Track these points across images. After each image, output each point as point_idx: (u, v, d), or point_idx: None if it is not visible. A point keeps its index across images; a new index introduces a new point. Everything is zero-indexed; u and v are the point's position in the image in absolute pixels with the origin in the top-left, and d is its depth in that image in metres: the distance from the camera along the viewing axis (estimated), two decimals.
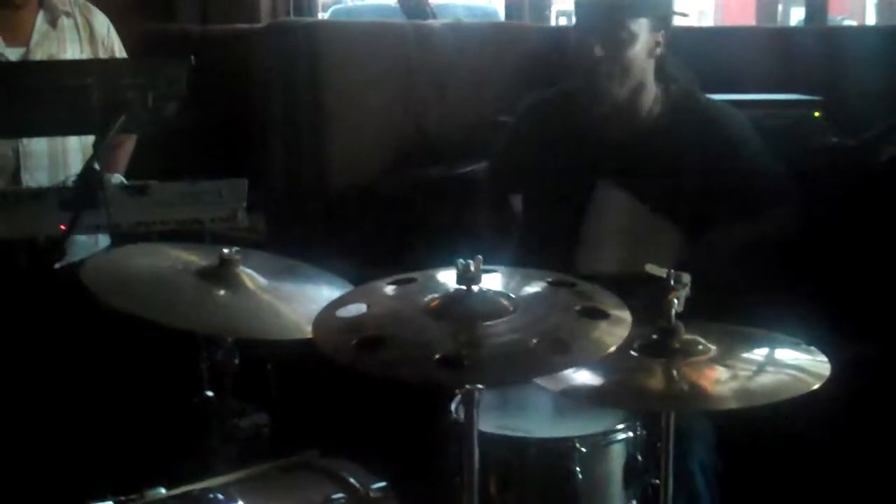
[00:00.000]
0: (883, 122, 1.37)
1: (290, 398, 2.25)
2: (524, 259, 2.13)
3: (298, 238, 3.31)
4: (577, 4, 2.39)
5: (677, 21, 2.52)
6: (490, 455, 1.72)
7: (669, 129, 2.38)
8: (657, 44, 2.34)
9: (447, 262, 1.68)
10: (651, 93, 2.40)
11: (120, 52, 2.97)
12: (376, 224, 3.28)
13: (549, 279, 1.71)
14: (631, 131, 2.39)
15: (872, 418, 2.45)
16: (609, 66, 2.30)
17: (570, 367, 1.60)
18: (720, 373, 1.63)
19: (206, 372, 2.09)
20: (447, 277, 1.67)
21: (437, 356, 1.48)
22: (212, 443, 2.09)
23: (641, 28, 2.30)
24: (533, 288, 1.69)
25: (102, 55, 2.90)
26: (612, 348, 1.53)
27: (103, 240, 2.74)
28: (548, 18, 5.59)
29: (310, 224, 3.36)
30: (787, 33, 4.86)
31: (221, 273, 1.98)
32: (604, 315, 1.60)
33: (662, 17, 2.35)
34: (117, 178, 2.65)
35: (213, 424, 2.09)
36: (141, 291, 1.91)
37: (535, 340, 1.51)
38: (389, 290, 1.74)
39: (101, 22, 2.94)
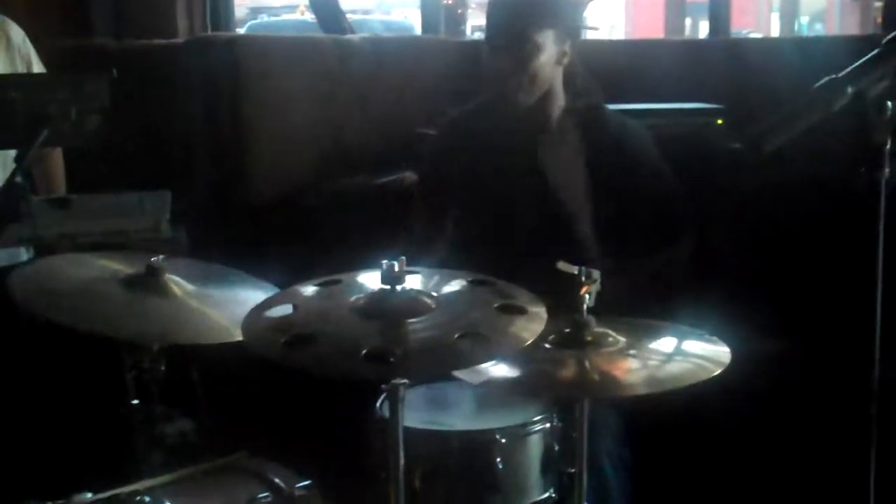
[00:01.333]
0: (768, 119, 1.47)
1: (216, 403, 2.28)
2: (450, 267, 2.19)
3: (221, 249, 3.33)
4: (487, 17, 2.47)
5: (588, 34, 2.60)
6: (415, 449, 1.76)
7: (574, 139, 2.46)
8: (564, 54, 2.42)
9: (370, 267, 1.76)
10: (559, 101, 2.48)
11: (37, 63, 2.97)
12: (298, 234, 3.32)
13: (469, 278, 1.79)
14: (539, 137, 2.47)
15: (779, 408, 2.57)
16: (517, 76, 2.38)
17: (490, 359, 1.68)
18: (629, 362, 1.73)
19: (131, 380, 2.09)
20: (371, 279, 1.74)
21: (364, 352, 1.54)
22: (139, 449, 2.10)
23: (548, 39, 2.37)
24: (453, 287, 1.76)
25: (20, 65, 2.90)
26: (529, 341, 1.61)
27: (23, 252, 2.73)
28: (463, 33, 5.71)
29: (232, 235, 3.38)
30: (693, 46, 5.01)
31: (149, 281, 1.99)
32: (521, 311, 1.68)
33: (569, 29, 2.41)
34: None
35: (140, 431, 2.09)
36: (69, 301, 1.91)
37: (456, 335, 1.59)
38: (316, 291, 1.79)
39: (17, 32, 2.93)
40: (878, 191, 1.53)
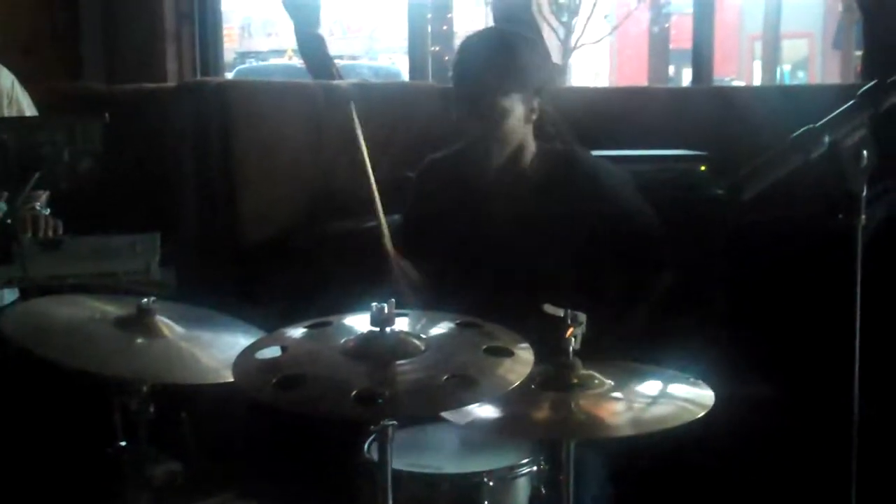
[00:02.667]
0: (747, 167, 1.52)
1: (204, 444, 2.29)
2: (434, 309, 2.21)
3: (210, 292, 3.35)
4: (452, 76, 2.50)
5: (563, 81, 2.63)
6: (403, 491, 1.77)
7: (549, 182, 2.49)
8: (532, 111, 2.45)
9: (359, 310, 1.78)
10: (530, 151, 2.51)
11: (29, 106, 2.98)
12: (287, 278, 3.34)
13: (457, 321, 1.81)
14: (514, 188, 2.50)
15: (761, 449, 2.60)
16: (486, 140, 2.43)
17: (478, 401, 1.69)
18: (615, 404, 1.75)
19: (120, 420, 2.10)
20: (360, 321, 1.76)
21: (354, 392, 1.56)
22: (127, 490, 2.10)
23: (515, 101, 2.40)
24: (441, 329, 1.79)
25: (7, 111, 2.91)
26: (516, 383, 1.63)
27: (9, 294, 2.74)
28: (450, 78, 5.76)
29: (221, 278, 3.40)
30: (677, 93, 5.09)
31: (139, 322, 2.01)
32: (508, 353, 1.71)
33: (536, 88, 2.44)
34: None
35: (128, 472, 2.10)
36: (60, 338, 1.93)
37: (445, 377, 1.61)
38: (305, 333, 1.82)
39: (6, 77, 2.94)
40: (856, 236, 1.57)
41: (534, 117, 2.46)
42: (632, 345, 2.24)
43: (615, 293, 2.40)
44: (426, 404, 1.64)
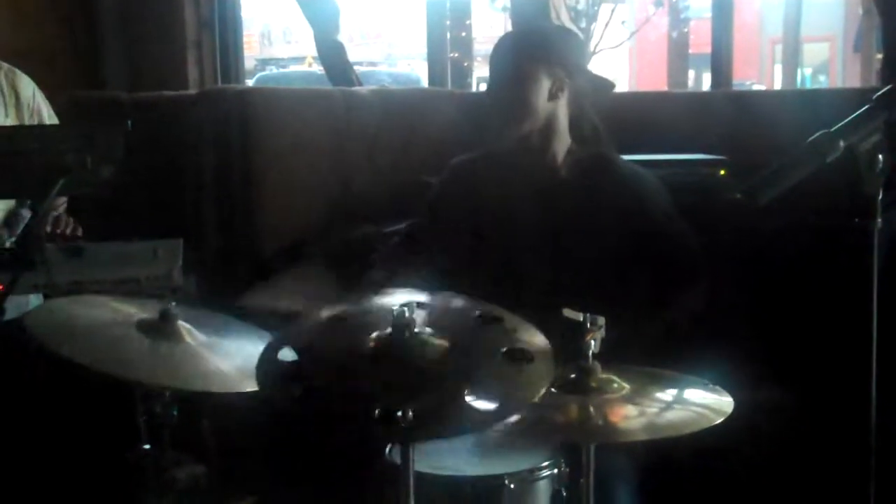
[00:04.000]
0: (763, 172, 1.53)
1: (227, 449, 2.30)
2: None
3: (231, 298, 3.37)
4: (490, 53, 2.56)
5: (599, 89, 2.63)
6: (424, 494, 1.76)
7: (581, 185, 2.49)
8: (558, 89, 2.46)
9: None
10: (563, 144, 2.51)
11: (49, 115, 3.01)
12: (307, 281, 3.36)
13: (478, 313, 1.80)
14: (545, 183, 2.52)
15: (784, 454, 2.59)
16: (510, 106, 2.47)
17: (500, 420, 1.66)
18: (633, 409, 1.75)
19: (143, 425, 2.12)
20: (383, 307, 1.76)
21: (377, 412, 1.55)
22: (149, 494, 2.12)
23: (537, 70, 2.45)
24: (462, 320, 1.78)
25: (28, 119, 2.94)
26: (540, 395, 1.63)
27: (34, 300, 2.77)
28: (469, 85, 5.78)
29: (242, 284, 3.43)
30: (697, 98, 5.08)
31: (161, 326, 2.02)
32: (528, 358, 1.69)
33: (561, 64, 2.47)
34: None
35: (151, 476, 2.11)
36: (85, 341, 1.94)
37: (467, 393, 1.60)
38: (328, 326, 1.81)
39: (27, 86, 2.97)
40: (871, 239, 1.57)
41: (560, 97, 2.47)
42: (657, 351, 2.24)
43: (646, 300, 2.41)
44: (450, 428, 1.63)
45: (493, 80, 2.54)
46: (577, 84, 2.50)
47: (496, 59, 2.53)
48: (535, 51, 2.48)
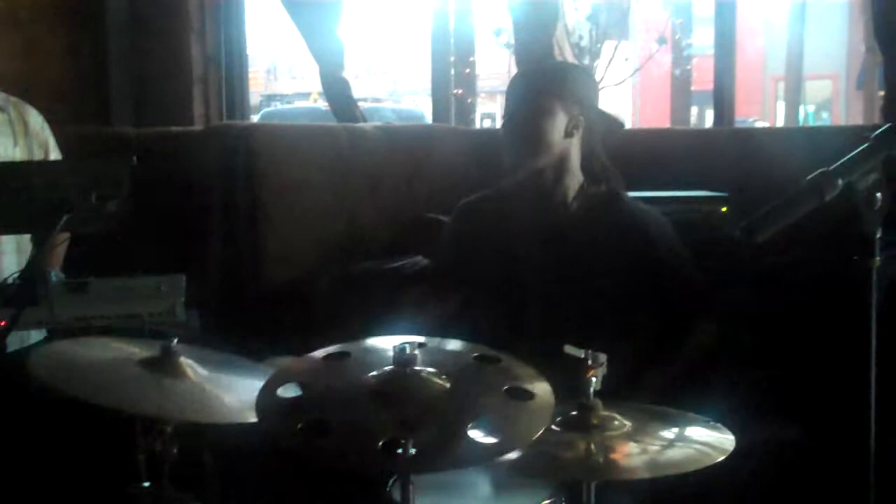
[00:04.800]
0: (762, 209, 1.54)
1: (227, 486, 2.29)
2: None
3: (235, 333, 3.37)
4: (507, 88, 2.58)
5: (610, 127, 2.65)
6: None
7: (592, 223, 2.50)
8: (574, 126, 2.49)
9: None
10: (575, 181, 2.53)
11: (55, 148, 3.03)
12: (312, 318, 3.36)
13: (475, 354, 1.81)
14: (556, 221, 2.52)
15: (788, 492, 2.58)
16: (527, 140, 2.48)
17: (502, 454, 1.66)
18: (634, 447, 1.75)
19: (143, 461, 2.11)
20: (380, 349, 1.78)
21: (380, 444, 1.56)
22: None
23: (554, 105, 2.47)
24: (460, 362, 1.79)
25: (37, 151, 2.96)
26: (539, 432, 1.63)
27: (35, 335, 2.77)
28: (472, 121, 5.81)
29: (246, 319, 3.43)
30: (699, 135, 5.09)
31: (163, 363, 2.03)
32: (528, 395, 1.70)
33: (578, 101, 2.50)
34: (57, 274, 2.70)
35: None
36: (87, 376, 1.95)
37: (470, 430, 1.60)
38: (323, 365, 1.82)
39: (35, 118, 3.00)
40: (870, 277, 1.58)
41: (575, 135, 2.49)
42: (662, 388, 2.24)
43: (655, 339, 2.40)
44: (451, 461, 1.63)
45: (509, 114, 2.54)
46: (590, 121, 2.51)
47: (513, 93, 2.55)
48: (553, 87, 2.50)
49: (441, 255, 2.72)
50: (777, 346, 2.84)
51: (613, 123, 2.63)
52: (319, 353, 1.85)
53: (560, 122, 2.47)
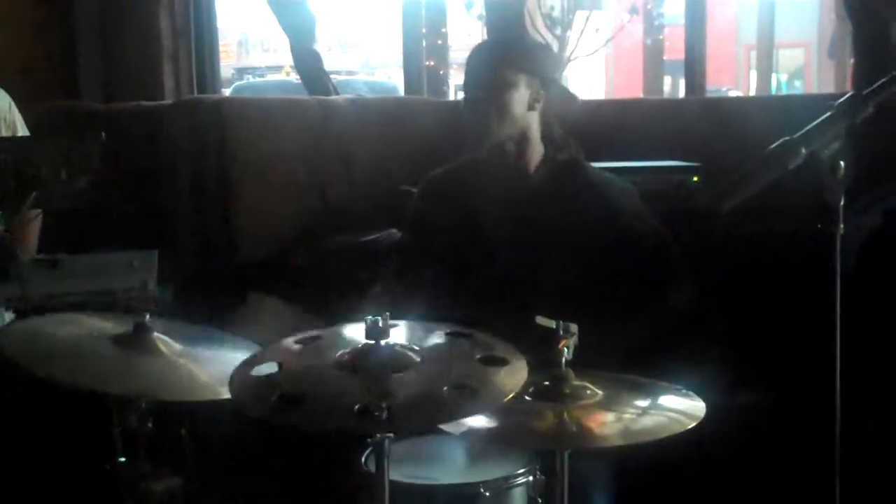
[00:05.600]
0: (726, 179, 1.56)
1: (204, 461, 2.30)
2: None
3: (207, 308, 3.37)
4: (465, 70, 2.58)
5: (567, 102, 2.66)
6: (399, 503, 1.78)
7: (556, 193, 2.53)
8: (536, 99, 2.50)
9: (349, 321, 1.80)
10: (537, 152, 2.55)
11: (22, 128, 3.01)
12: (284, 293, 3.36)
13: (447, 330, 1.83)
14: (520, 191, 2.54)
15: (754, 457, 2.62)
16: (487, 106, 2.48)
17: (480, 411, 1.71)
18: (606, 415, 1.77)
19: (119, 437, 2.11)
20: (351, 333, 1.78)
21: (357, 407, 1.57)
22: None
23: (517, 79, 2.47)
24: (434, 339, 1.81)
25: (4, 131, 2.93)
26: (515, 391, 1.65)
27: (8, 314, 2.75)
28: (446, 93, 5.80)
29: (218, 294, 3.42)
30: (671, 104, 5.11)
31: (136, 339, 2.01)
32: (502, 362, 1.72)
33: (539, 74, 2.51)
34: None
35: (127, 489, 2.11)
36: (59, 357, 1.94)
37: (445, 388, 1.63)
38: (297, 347, 1.83)
39: (3, 98, 2.97)
40: (834, 246, 1.60)
41: (537, 107, 2.50)
42: (631, 357, 2.26)
43: (622, 307, 2.42)
44: (428, 416, 1.66)
45: (471, 87, 2.55)
46: (550, 94, 2.53)
47: (474, 66, 2.55)
48: (516, 60, 2.51)
49: (409, 228, 2.74)
50: (744, 315, 2.87)
51: (571, 99, 2.65)
52: (291, 338, 1.85)
53: (523, 94, 2.49)
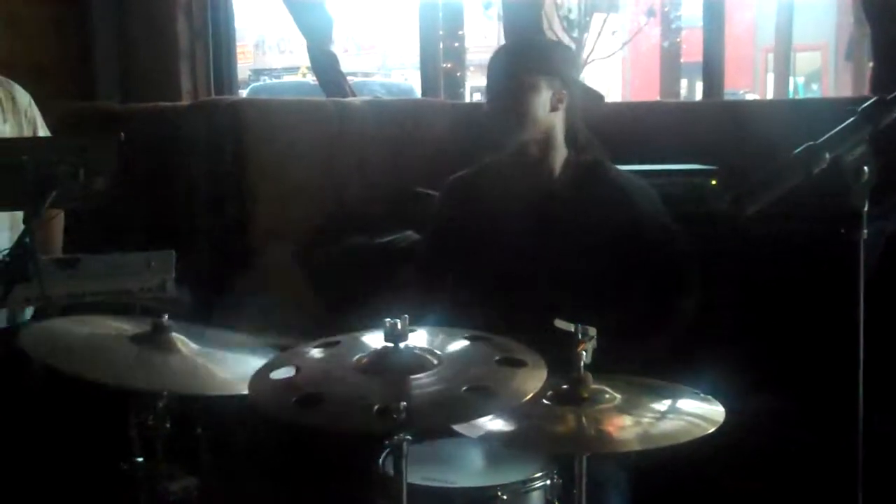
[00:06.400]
0: (749, 183, 1.55)
1: (220, 461, 2.30)
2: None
3: (224, 308, 3.37)
4: (487, 73, 2.57)
5: (590, 100, 2.66)
6: None
7: (579, 194, 2.51)
8: (558, 100, 2.49)
9: (368, 328, 1.80)
10: (560, 154, 2.54)
11: (42, 126, 3.02)
12: (301, 294, 3.37)
13: (466, 334, 1.83)
14: (544, 193, 2.53)
15: (777, 461, 2.61)
16: (513, 117, 2.48)
17: (496, 411, 1.71)
18: (625, 419, 1.76)
19: (136, 436, 2.12)
20: (371, 339, 1.79)
21: (376, 408, 1.57)
22: None
23: (539, 81, 2.46)
24: (452, 343, 1.81)
25: (26, 127, 2.95)
26: (533, 392, 1.65)
27: (28, 312, 2.77)
28: (462, 95, 5.78)
29: (235, 295, 3.43)
30: (689, 107, 5.09)
31: (155, 338, 2.04)
32: (521, 363, 1.72)
33: (561, 76, 2.50)
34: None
35: (144, 488, 2.11)
36: (79, 352, 1.96)
37: (463, 388, 1.63)
38: (317, 352, 1.83)
39: (23, 96, 2.99)
40: (858, 250, 1.59)
41: (560, 108, 2.50)
42: (652, 360, 2.25)
43: (643, 310, 2.42)
44: (447, 416, 1.67)
45: (492, 91, 2.54)
46: (572, 95, 2.52)
47: (495, 69, 2.54)
48: (536, 63, 2.50)
49: (431, 230, 2.73)
50: (765, 320, 2.86)
51: (594, 96, 2.64)
52: (311, 343, 1.86)
53: (545, 97, 2.48)
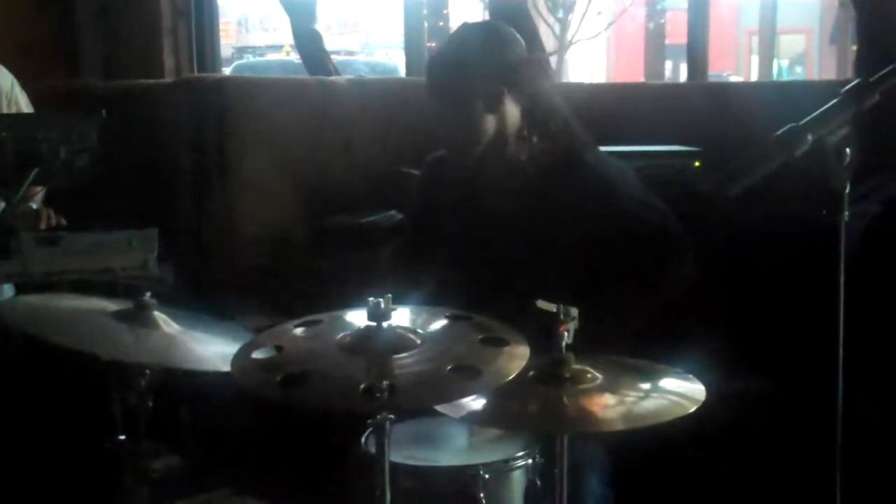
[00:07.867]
0: (732, 165, 1.55)
1: (203, 439, 2.31)
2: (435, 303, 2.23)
3: (207, 287, 3.37)
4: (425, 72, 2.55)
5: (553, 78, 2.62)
6: (399, 484, 1.78)
7: (548, 178, 2.49)
8: (497, 101, 2.43)
9: (351, 306, 1.79)
10: (517, 143, 2.49)
11: (27, 106, 3.00)
12: (283, 272, 3.36)
13: (448, 314, 1.83)
14: (508, 183, 2.52)
15: (755, 442, 2.63)
16: (451, 128, 2.47)
17: (482, 391, 1.70)
18: (607, 399, 1.77)
19: (118, 415, 2.11)
20: (352, 317, 1.78)
21: (362, 387, 1.57)
22: (125, 484, 2.12)
23: (469, 90, 2.41)
24: (434, 323, 1.81)
25: (7, 110, 2.93)
26: (516, 371, 1.65)
27: (7, 289, 2.76)
28: None
29: (218, 273, 3.43)
30: (673, 89, 5.11)
31: (137, 315, 2.02)
32: (504, 342, 1.73)
33: (500, 78, 2.43)
34: None
35: (126, 466, 2.11)
36: (61, 325, 1.95)
37: (448, 367, 1.63)
38: (300, 331, 1.83)
39: (5, 77, 2.97)
40: (839, 232, 1.60)
41: (502, 107, 2.46)
42: (634, 341, 2.26)
43: (628, 287, 2.42)
44: (432, 396, 1.66)
45: (433, 103, 2.49)
46: (518, 83, 2.46)
47: (429, 91, 2.49)
48: (459, 79, 2.43)
49: (412, 209, 2.73)
50: (746, 300, 2.88)
51: (542, 66, 2.60)
52: (292, 322, 1.85)
53: (479, 106, 2.43)
